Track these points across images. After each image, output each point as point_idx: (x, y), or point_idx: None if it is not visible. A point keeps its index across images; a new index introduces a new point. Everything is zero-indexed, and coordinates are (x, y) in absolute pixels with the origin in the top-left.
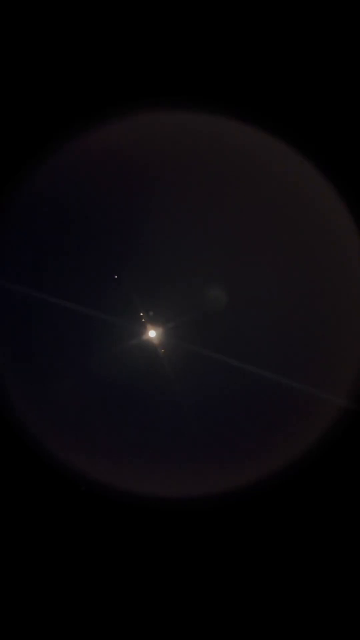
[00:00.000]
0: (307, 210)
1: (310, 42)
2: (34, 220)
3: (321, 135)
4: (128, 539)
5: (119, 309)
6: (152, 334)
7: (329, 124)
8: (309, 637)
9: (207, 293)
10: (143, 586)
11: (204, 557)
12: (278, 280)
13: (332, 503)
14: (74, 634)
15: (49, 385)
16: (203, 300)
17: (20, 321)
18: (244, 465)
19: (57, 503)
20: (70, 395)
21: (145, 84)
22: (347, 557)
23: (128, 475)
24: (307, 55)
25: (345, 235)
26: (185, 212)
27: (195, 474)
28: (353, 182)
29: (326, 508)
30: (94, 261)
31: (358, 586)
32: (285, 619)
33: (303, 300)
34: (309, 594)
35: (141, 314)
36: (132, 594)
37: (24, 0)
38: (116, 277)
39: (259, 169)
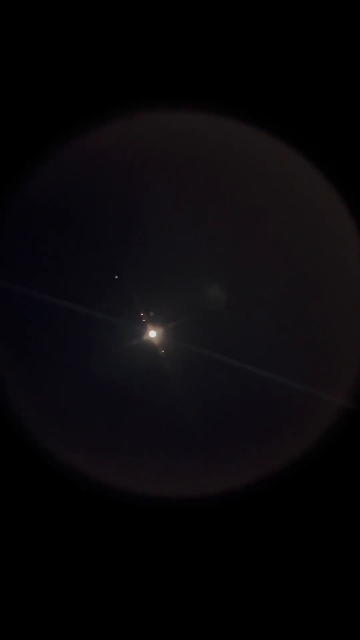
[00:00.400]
0: (307, 210)
1: (310, 42)
2: (34, 220)
3: (321, 136)
4: (128, 539)
5: (120, 310)
6: (152, 334)
7: (329, 124)
8: (308, 637)
9: (207, 293)
10: (143, 586)
11: (203, 557)
12: (278, 280)
13: (332, 503)
14: (74, 634)
15: (49, 386)
16: (203, 300)
17: (21, 322)
18: (244, 465)
19: (57, 503)
20: (71, 396)
21: (145, 84)
22: (347, 556)
23: (128, 475)
24: (307, 55)
25: (346, 235)
26: (186, 212)
27: (195, 474)
28: (353, 182)
29: (326, 508)
30: (94, 261)
31: (358, 586)
32: (285, 618)
33: (303, 300)
34: (309, 593)
35: (141, 314)
36: (132, 593)
37: (24, 1)
38: (117, 277)
39: (259, 169)
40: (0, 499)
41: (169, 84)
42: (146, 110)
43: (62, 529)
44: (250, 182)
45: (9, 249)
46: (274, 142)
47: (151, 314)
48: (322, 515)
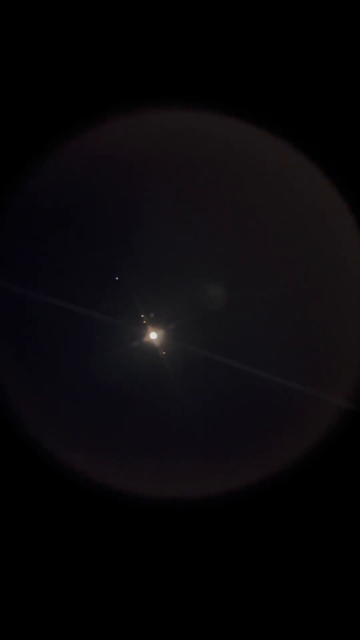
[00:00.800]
0: (308, 210)
1: (312, 39)
2: (33, 220)
3: (323, 135)
4: (128, 540)
5: (120, 311)
6: (153, 335)
7: (331, 124)
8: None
9: (208, 294)
10: (144, 588)
11: (204, 558)
12: (279, 280)
13: (332, 504)
14: (74, 635)
15: (49, 387)
16: (204, 301)
17: (20, 322)
18: (244, 466)
19: (58, 504)
20: (70, 397)
21: (145, 83)
22: (348, 559)
23: (128, 476)
24: (309, 54)
25: (347, 236)
26: (186, 213)
27: (196, 475)
28: (354, 182)
29: (327, 509)
30: (94, 262)
31: (359, 588)
32: (286, 620)
33: (304, 300)
34: (310, 595)
35: (142, 315)
36: (133, 595)
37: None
38: (117, 278)
39: (261, 169)
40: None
41: (169, 83)
42: (146, 110)
43: (63, 530)
44: (250, 182)
45: (8, 249)
46: (275, 142)
47: (152, 315)
48: (322, 516)
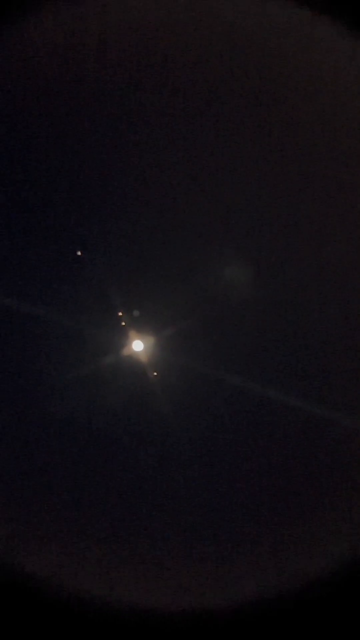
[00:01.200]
0: None
1: None
2: None
3: None
4: None
5: (86, 309)
6: (137, 346)
7: None
8: None
9: (219, 286)
10: None
11: None
12: (320, 267)
13: None
14: None
15: None
16: (213, 296)
17: None
18: (280, 555)
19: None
20: (9, 448)
21: None
22: None
23: (100, 578)
24: None
25: None
26: (190, 156)
27: (206, 572)
28: None
29: None
30: (44, 233)
31: None
32: None
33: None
34: None
35: (120, 314)
36: None
37: None
38: (79, 253)
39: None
40: None
41: None
42: None
43: None
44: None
45: None
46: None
47: (136, 314)
48: None
